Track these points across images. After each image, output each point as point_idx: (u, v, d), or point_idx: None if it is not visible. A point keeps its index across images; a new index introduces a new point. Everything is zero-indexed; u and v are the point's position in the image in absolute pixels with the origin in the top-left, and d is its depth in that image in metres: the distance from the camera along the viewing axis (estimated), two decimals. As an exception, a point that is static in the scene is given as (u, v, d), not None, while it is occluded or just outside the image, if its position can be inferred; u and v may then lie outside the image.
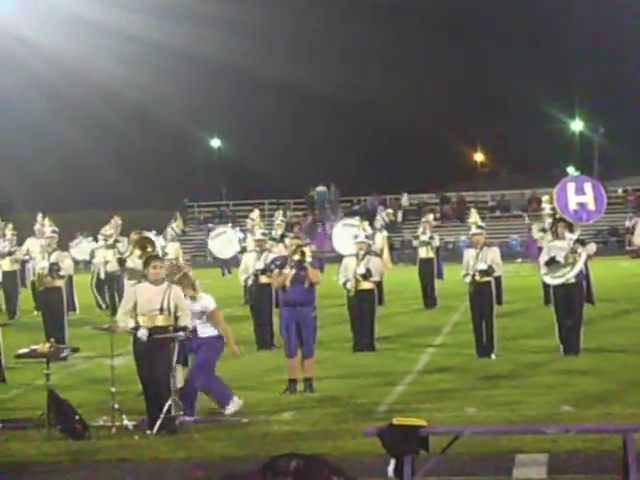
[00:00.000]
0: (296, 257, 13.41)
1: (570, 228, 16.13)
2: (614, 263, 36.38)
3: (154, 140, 58.71)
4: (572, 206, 16.27)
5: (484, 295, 16.13)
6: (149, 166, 59.64)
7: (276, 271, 13.68)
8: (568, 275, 15.66)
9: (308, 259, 13.39)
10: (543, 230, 22.42)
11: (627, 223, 47.28)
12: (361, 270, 17.11)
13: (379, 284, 19.70)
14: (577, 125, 70.17)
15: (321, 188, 56.42)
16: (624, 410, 11.32)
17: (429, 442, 8.62)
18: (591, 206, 16.33)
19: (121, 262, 18.81)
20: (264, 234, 18.75)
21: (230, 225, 29.19)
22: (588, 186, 16.48)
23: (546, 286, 20.04)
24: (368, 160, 62.63)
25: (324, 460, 8.78)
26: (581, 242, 15.87)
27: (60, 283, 18.43)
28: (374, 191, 56.04)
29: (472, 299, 16.33)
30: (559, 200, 16.42)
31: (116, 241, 23.94)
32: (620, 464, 8.62)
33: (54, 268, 18.24)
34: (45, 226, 21.50)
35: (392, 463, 8.57)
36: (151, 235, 23.52)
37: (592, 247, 16.59)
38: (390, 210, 32.01)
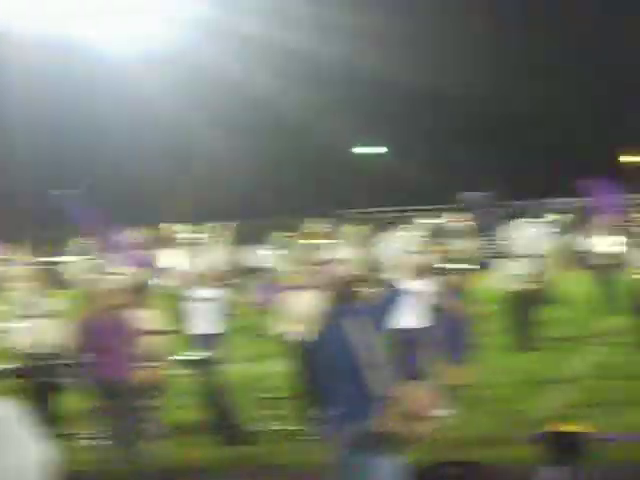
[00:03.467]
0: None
1: None
2: None
3: (305, 149, 59.25)
4: None
5: None
6: (304, 177, 60.20)
7: None
8: None
9: None
10: None
11: None
12: None
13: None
14: None
15: (477, 193, 55.90)
16: None
17: (594, 449, 8.41)
18: None
19: None
20: None
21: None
22: None
23: None
24: (522, 165, 61.78)
25: (485, 467, 8.66)
26: None
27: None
28: (529, 195, 55.26)
29: None
30: None
31: None
32: None
33: None
34: None
35: (553, 470, 8.39)
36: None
37: None
38: None
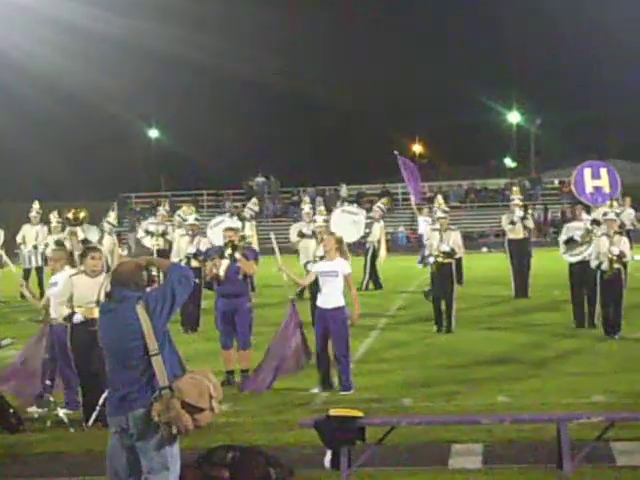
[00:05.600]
0: (228, 251, 13.37)
1: (587, 210, 16.96)
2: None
3: (91, 130, 58.12)
4: (589, 189, 16.97)
5: (446, 275, 17.03)
6: (86, 157, 59.04)
7: (209, 263, 13.62)
8: (585, 253, 16.29)
9: (237, 254, 13.34)
10: (512, 222, 21.90)
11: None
12: (321, 252, 17.68)
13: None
14: (514, 117, 70.78)
15: (260, 179, 56.40)
16: (558, 400, 11.44)
17: (366, 433, 8.65)
18: (606, 189, 17.02)
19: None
20: (197, 219, 19.28)
21: (227, 214, 28.71)
22: (604, 171, 17.27)
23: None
24: (306, 151, 62.81)
25: (261, 451, 8.78)
26: (597, 222, 16.45)
27: None
28: (313, 182, 56.12)
29: (434, 279, 17.20)
30: (577, 184, 17.15)
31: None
32: (554, 453, 8.73)
33: None
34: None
35: (328, 454, 8.59)
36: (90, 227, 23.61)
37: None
38: (385, 200, 31.35)
